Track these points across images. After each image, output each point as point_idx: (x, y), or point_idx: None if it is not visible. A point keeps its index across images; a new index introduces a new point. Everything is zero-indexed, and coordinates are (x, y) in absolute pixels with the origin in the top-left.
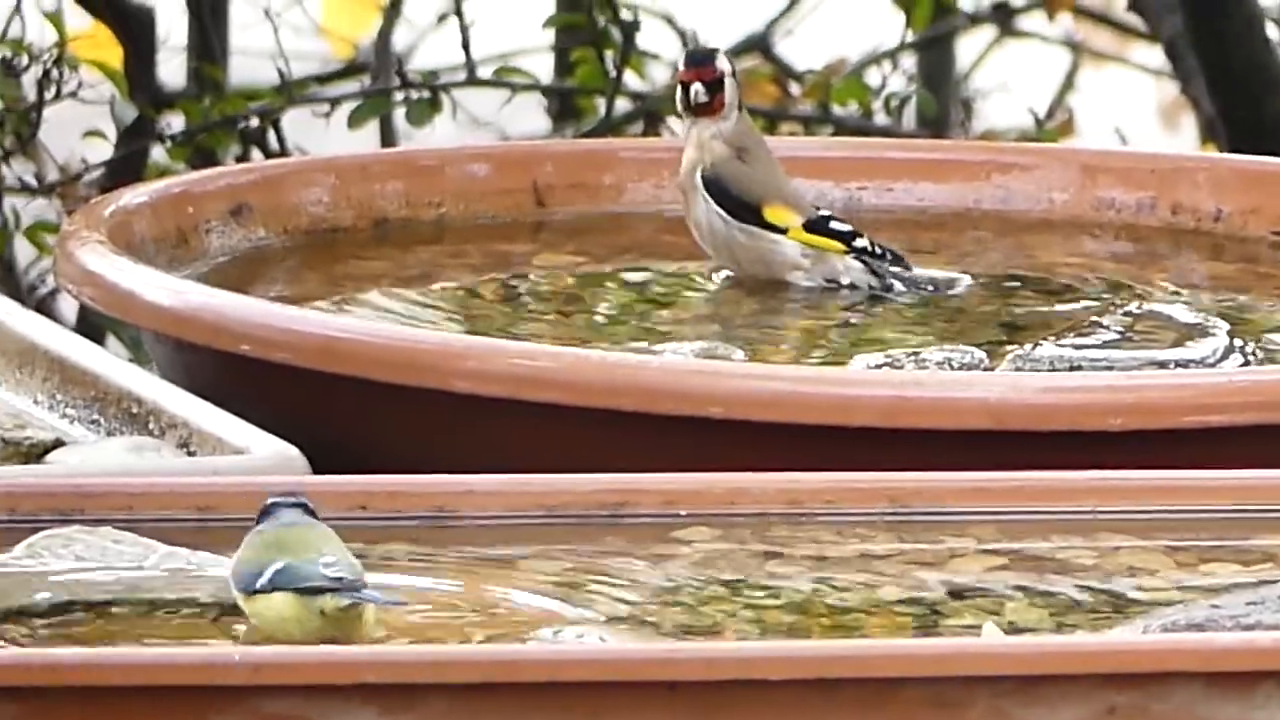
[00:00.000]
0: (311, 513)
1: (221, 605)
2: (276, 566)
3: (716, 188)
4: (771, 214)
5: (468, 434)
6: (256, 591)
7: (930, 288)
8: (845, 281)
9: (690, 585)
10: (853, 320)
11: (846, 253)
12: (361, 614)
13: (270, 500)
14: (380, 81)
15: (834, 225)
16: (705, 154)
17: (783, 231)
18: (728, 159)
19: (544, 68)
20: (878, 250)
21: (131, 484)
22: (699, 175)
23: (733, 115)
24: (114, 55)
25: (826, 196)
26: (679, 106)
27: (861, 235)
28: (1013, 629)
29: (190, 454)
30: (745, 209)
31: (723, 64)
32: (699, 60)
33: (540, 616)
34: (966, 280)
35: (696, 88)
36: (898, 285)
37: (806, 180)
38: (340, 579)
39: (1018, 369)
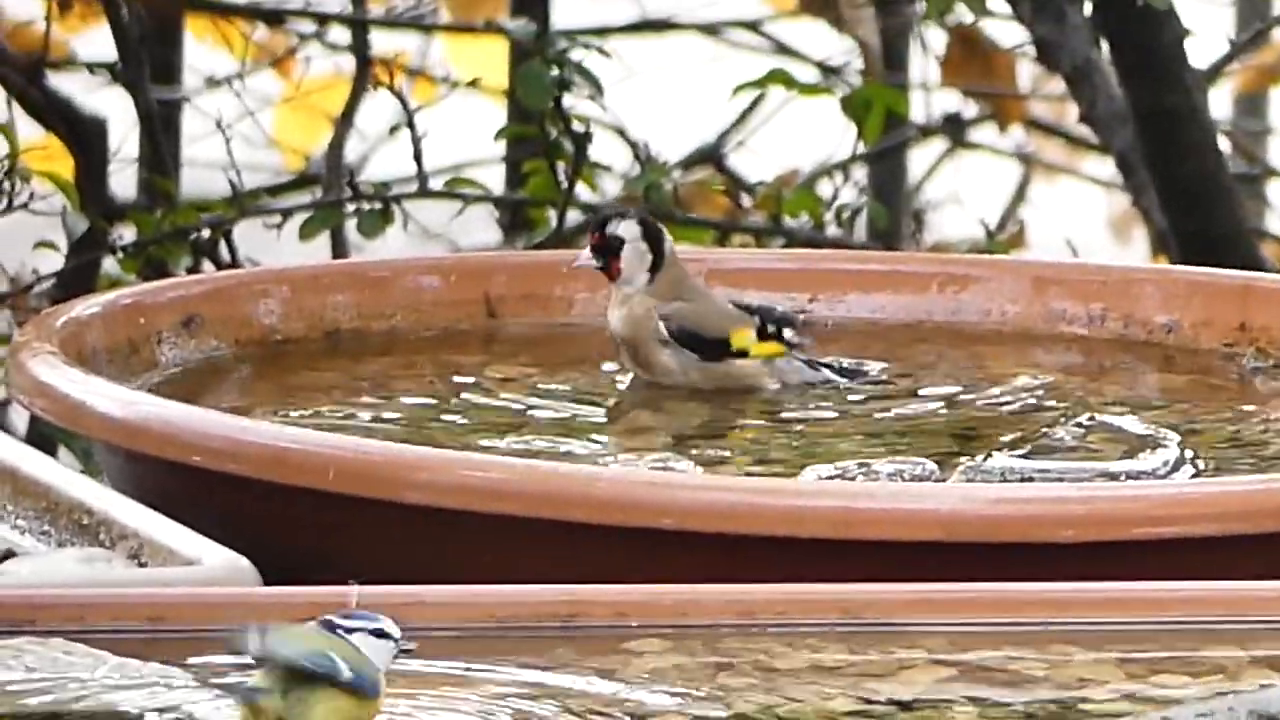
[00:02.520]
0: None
1: (173, 715)
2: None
3: (685, 334)
4: (737, 340)
5: (420, 545)
6: None
7: (866, 374)
8: (795, 381)
9: (640, 697)
10: (804, 430)
11: (787, 351)
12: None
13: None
14: (332, 193)
15: (768, 325)
16: (636, 308)
17: (745, 354)
18: (674, 306)
19: (496, 179)
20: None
21: (82, 595)
22: (661, 326)
23: (638, 279)
24: (65, 167)
25: (775, 311)
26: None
27: (788, 321)
28: None
29: (141, 565)
30: (715, 345)
31: (621, 229)
32: (594, 224)
33: None
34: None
35: (583, 254)
36: (835, 377)
37: (758, 292)
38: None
39: (969, 480)
